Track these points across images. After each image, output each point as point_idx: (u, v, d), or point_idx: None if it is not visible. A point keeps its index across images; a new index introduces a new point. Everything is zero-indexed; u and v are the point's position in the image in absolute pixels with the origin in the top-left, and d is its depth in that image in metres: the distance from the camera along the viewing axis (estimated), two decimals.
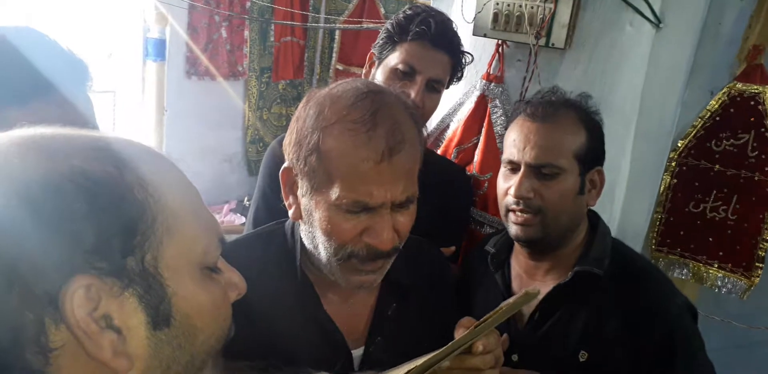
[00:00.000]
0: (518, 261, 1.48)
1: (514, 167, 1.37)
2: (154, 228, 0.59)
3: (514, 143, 1.36)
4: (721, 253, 1.87)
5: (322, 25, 4.10)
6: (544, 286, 1.39)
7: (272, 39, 4.23)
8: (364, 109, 1.01)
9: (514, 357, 1.38)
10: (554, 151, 1.33)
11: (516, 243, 1.47)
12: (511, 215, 1.37)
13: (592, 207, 1.45)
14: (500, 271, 1.49)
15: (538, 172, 1.33)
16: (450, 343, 1.02)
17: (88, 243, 0.55)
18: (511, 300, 1.01)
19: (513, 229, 1.38)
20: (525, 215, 1.34)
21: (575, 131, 1.35)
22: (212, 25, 3.91)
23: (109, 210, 0.56)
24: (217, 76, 3.98)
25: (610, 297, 1.33)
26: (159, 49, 3.82)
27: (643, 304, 1.31)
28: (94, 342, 0.55)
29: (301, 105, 1.09)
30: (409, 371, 0.98)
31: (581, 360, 1.32)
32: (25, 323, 0.54)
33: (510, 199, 1.36)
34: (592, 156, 1.38)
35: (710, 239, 1.89)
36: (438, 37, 1.66)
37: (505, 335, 1.26)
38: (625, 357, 1.29)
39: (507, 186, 1.37)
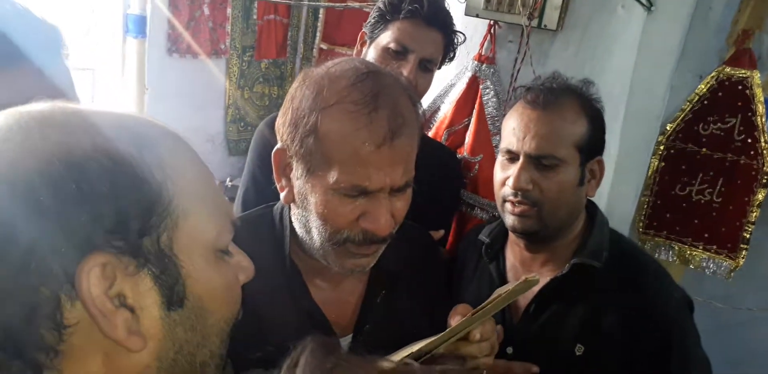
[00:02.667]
0: (513, 252, 1.46)
1: (512, 156, 1.33)
2: (171, 210, 0.59)
3: (514, 132, 1.32)
4: (706, 235, 1.90)
5: (306, 2, 4.04)
6: (540, 278, 1.38)
7: (255, 17, 4.16)
8: (364, 90, 0.98)
9: (509, 350, 1.36)
10: (555, 141, 1.28)
11: (511, 234, 1.43)
12: (508, 205, 1.33)
13: (592, 198, 1.42)
14: (494, 262, 1.46)
15: (538, 162, 1.29)
16: (447, 330, 1.01)
17: (106, 222, 0.55)
18: (509, 287, 1.01)
19: (510, 220, 1.35)
20: (522, 206, 1.31)
21: (576, 120, 1.31)
22: (194, 2, 3.82)
23: (128, 190, 0.56)
24: (200, 53, 3.91)
25: (608, 291, 1.31)
26: (139, 26, 3.73)
27: (641, 298, 1.29)
28: (108, 321, 0.55)
29: (295, 84, 1.06)
30: (404, 357, 0.98)
31: (578, 353, 1.31)
32: (41, 299, 0.54)
33: (508, 190, 1.32)
34: (593, 145, 1.34)
35: (696, 221, 1.92)
36: (431, 16, 1.65)
37: (499, 327, 1.25)
38: (622, 351, 1.28)
39: (505, 176, 1.34)
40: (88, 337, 0.57)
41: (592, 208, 1.43)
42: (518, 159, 1.31)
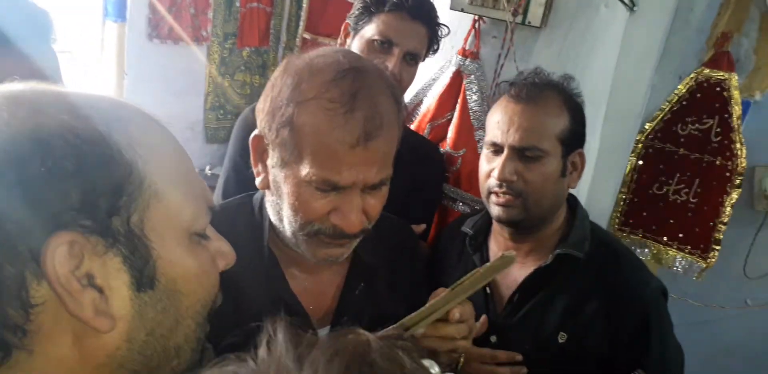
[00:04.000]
0: (497, 243, 1.49)
1: (497, 149, 1.36)
2: (142, 190, 0.59)
3: (498, 125, 1.35)
4: (681, 235, 1.92)
5: None
6: (523, 268, 1.40)
7: (238, 4, 4.11)
8: (343, 87, 0.97)
9: (493, 339, 1.39)
10: (538, 133, 1.32)
11: (495, 225, 1.47)
12: (493, 197, 1.37)
13: (574, 190, 1.46)
14: (478, 253, 1.49)
15: (522, 154, 1.33)
16: (426, 306, 1.01)
17: (73, 200, 0.54)
18: (488, 264, 1.01)
19: (495, 210, 1.38)
20: (507, 196, 1.34)
21: (559, 113, 1.35)
22: None
23: (96, 169, 0.56)
24: (181, 39, 3.86)
25: (589, 280, 1.35)
26: (119, 9, 3.66)
27: (621, 287, 1.34)
28: (75, 300, 0.55)
29: (277, 72, 1.05)
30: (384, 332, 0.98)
31: (560, 341, 1.34)
32: (6, 277, 0.53)
33: (493, 182, 1.35)
34: (574, 138, 1.38)
35: (671, 221, 1.94)
36: (415, 8, 1.64)
37: (483, 316, 1.27)
38: (603, 338, 1.32)
39: (490, 168, 1.37)
40: (56, 317, 0.56)
41: (572, 201, 1.47)
42: (503, 151, 1.34)
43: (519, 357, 1.34)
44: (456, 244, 1.55)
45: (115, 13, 3.69)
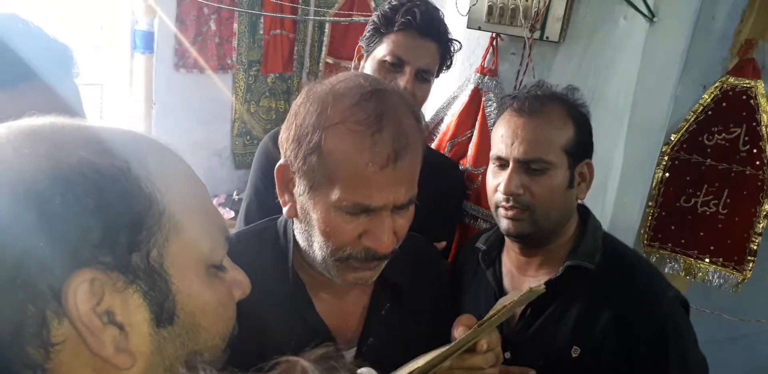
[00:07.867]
0: (509, 258, 1.47)
1: (502, 163, 1.36)
2: (161, 224, 0.58)
3: (502, 139, 1.35)
4: (712, 247, 1.88)
5: (312, 17, 4.08)
6: (535, 282, 1.37)
7: (261, 32, 4.20)
8: (369, 110, 0.97)
9: (507, 355, 1.35)
10: (543, 145, 1.31)
11: (507, 240, 1.46)
12: (501, 210, 1.36)
13: (583, 202, 1.44)
14: (491, 268, 1.48)
15: (527, 167, 1.32)
16: (453, 343, 1.00)
17: (94, 237, 0.54)
18: (514, 297, 1.00)
19: (504, 224, 1.37)
20: (514, 210, 1.33)
21: (563, 125, 1.34)
22: (201, 18, 3.87)
23: (116, 205, 0.55)
24: (206, 68, 3.95)
25: (602, 292, 1.32)
26: (147, 42, 3.78)
27: (634, 298, 1.30)
28: (96, 338, 0.54)
29: (299, 100, 1.05)
30: (412, 371, 0.97)
31: (574, 355, 1.31)
32: (27, 317, 0.53)
33: (500, 196, 1.35)
34: (581, 149, 1.36)
35: (701, 233, 1.90)
36: (424, 26, 1.66)
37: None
38: (618, 352, 1.29)
39: (496, 182, 1.36)
40: (76, 355, 0.55)
41: (584, 212, 1.45)
42: (508, 165, 1.34)
43: (532, 373, 1.31)
44: (472, 261, 1.54)
45: (143, 46, 3.80)
